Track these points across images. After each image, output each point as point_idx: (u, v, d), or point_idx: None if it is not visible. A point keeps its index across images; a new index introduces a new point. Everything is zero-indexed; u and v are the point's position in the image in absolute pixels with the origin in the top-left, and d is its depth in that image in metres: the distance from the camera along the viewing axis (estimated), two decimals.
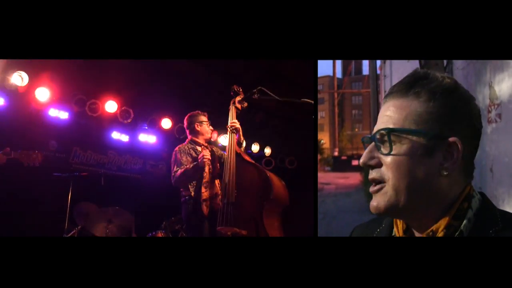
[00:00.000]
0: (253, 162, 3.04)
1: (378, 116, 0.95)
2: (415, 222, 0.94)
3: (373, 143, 0.92)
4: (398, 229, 0.97)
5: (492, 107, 3.54)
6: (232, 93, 3.25)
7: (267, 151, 6.65)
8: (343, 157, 22.12)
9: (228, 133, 3.13)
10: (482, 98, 3.71)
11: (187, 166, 3.14)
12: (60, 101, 4.70)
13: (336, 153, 26.58)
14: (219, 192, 3.08)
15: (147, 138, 5.60)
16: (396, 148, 0.88)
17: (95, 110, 4.93)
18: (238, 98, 3.18)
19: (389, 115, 0.91)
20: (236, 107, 3.17)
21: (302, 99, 2.64)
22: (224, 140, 3.15)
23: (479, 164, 3.54)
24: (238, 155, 3.01)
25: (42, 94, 4.46)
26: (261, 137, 6.58)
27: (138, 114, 5.36)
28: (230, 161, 2.94)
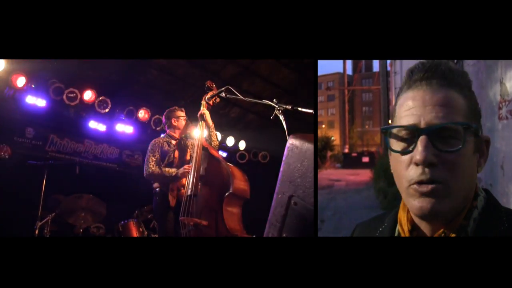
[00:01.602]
0: (218, 156, 3.19)
1: (411, 104, 0.85)
2: (438, 225, 0.87)
3: (425, 137, 0.81)
4: (404, 229, 0.92)
5: (503, 103, 3.46)
6: (205, 88, 3.36)
7: (242, 145, 6.94)
8: (354, 154, 21.88)
9: (198, 125, 3.25)
10: (493, 95, 3.63)
11: (168, 172, 3.29)
12: (37, 88, 4.77)
13: (346, 150, 26.59)
14: (186, 186, 3.23)
15: (124, 128, 5.71)
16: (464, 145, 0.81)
17: (73, 99, 5.02)
18: (209, 94, 3.30)
19: (442, 105, 0.82)
20: (207, 103, 3.29)
21: (300, 109, 2.68)
22: (196, 132, 3.27)
23: (490, 161, 3.62)
24: (205, 149, 3.14)
25: (19, 80, 4.50)
26: (236, 131, 6.78)
27: (115, 104, 5.46)
28: (196, 156, 3.08)
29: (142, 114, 5.69)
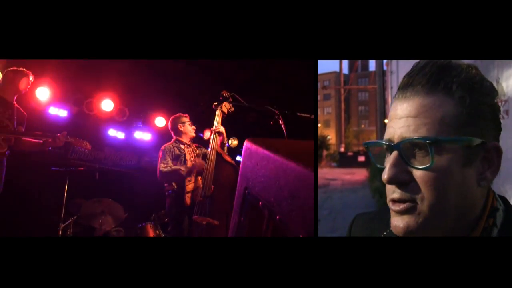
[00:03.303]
0: (231, 161, 3.33)
1: (392, 116, 0.77)
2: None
3: (396, 153, 0.73)
4: None
5: (500, 103, 3.53)
6: (221, 98, 3.48)
7: None
8: (349, 153, 21.55)
9: (212, 135, 3.41)
10: None
11: (179, 169, 3.44)
12: (59, 100, 5.01)
13: (342, 149, 26.21)
14: (201, 186, 3.38)
15: (142, 136, 5.93)
16: (435, 161, 0.71)
17: (91, 109, 5.25)
18: (225, 104, 3.44)
19: (416, 116, 0.72)
20: (222, 111, 3.43)
21: (299, 114, 2.81)
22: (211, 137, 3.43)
23: None
24: (219, 154, 3.30)
25: (43, 93, 4.77)
26: (252, 136, 6.84)
27: (133, 112, 5.68)
28: (210, 160, 3.24)
29: (159, 121, 5.89)
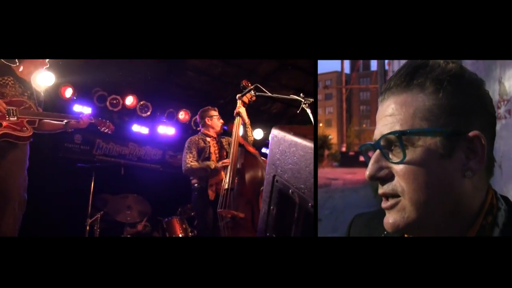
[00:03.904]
0: (254, 152, 3.27)
1: (377, 118, 0.81)
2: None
3: (377, 151, 0.77)
4: None
5: (502, 103, 3.44)
6: (241, 88, 3.42)
7: None
8: (351, 153, 21.51)
9: (234, 121, 3.34)
10: (491, 94, 3.67)
11: (206, 165, 3.42)
12: (83, 97, 5.07)
13: (343, 149, 26.08)
14: (224, 181, 3.32)
15: (166, 130, 5.93)
16: (410, 154, 0.73)
17: (115, 105, 5.28)
18: (246, 93, 3.37)
19: (391, 114, 0.76)
20: (242, 101, 3.37)
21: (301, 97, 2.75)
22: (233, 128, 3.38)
23: None
24: (241, 145, 3.24)
25: (67, 91, 4.85)
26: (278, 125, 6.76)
27: (156, 107, 5.69)
28: (233, 151, 3.18)
29: (182, 115, 5.89)
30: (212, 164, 3.41)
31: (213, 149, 3.59)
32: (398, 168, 0.74)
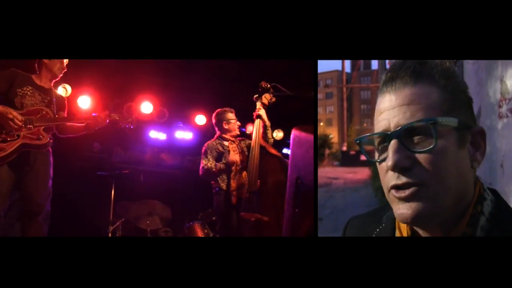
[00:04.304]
0: (277, 153, 3.20)
1: (383, 109, 0.80)
2: (436, 231, 0.80)
3: (396, 141, 0.76)
4: (403, 235, 0.86)
5: (503, 102, 3.40)
6: (260, 90, 3.34)
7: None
8: (352, 152, 21.17)
9: (255, 124, 3.27)
10: (493, 93, 3.57)
11: (215, 167, 3.34)
12: (100, 107, 5.06)
13: (344, 148, 25.88)
14: (246, 182, 3.26)
15: (184, 135, 5.92)
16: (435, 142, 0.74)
17: (131, 112, 5.26)
18: (265, 95, 3.30)
19: (409, 103, 0.76)
20: (263, 103, 3.29)
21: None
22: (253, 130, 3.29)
23: (489, 159, 3.44)
24: (262, 147, 3.17)
25: (84, 101, 4.86)
26: (298, 125, 6.68)
27: (172, 112, 5.66)
28: (254, 154, 3.12)
29: (199, 119, 5.84)
30: (224, 163, 3.33)
31: (232, 153, 3.50)
32: (422, 157, 0.74)
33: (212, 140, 3.63)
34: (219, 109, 3.70)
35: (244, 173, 3.37)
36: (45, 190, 2.86)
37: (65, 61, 3.09)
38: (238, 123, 3.72)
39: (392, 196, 0.78)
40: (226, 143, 3.55)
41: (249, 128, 5.77)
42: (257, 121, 3.23)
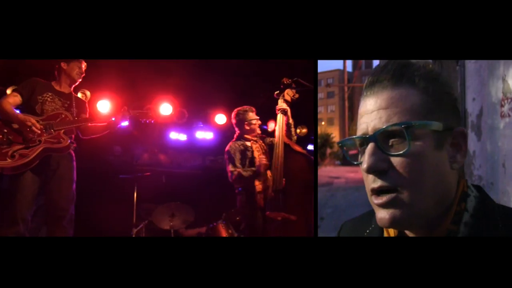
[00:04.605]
0: (302, 151, 3.11)
1: (363, 112, 0.82)
2: (420, 231, 0.82)
3: (372, 144, 0.77)
4: (390, 234, 0.88)
5: (505, 101, 3.37)
6: (282, 86, 3.26)
7: None
8: (353, 151, 21.74)
9: (277, 121, 3.18)
10: (495, 92, 3.54)
11: (246, 172, 3.26)
12: (119, 110, 5.06)
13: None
14: (271, 183, 3.16)
15: (204, 135, 5.87)
16: (411, 145, 0.75)
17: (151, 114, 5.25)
18: (288, 91, 3.21)
19: (386, 107, 0.77)
20: (285, 100, 3.21)
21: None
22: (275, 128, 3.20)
23: (491, 159, 3.44)
24: (286, 145, 3.09)
25: (104, 106, 4.87)
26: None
27: (192, 113, 5.62)
28: (279, 152, 3.03)
29: (220, 119, 5.79)
30: (254, 169, 3.24)
31: (257, 153, 3.39)
32: (397, 160, 0.75)
33: (233, 141, 3.53)
34: (239, 108, 3.58)
35: (269, 172, 3.29)
36: (69, 195, 2.91)
37: (83, 66, 3.14)
38: (259, 122, 3.61)
39: (372, 200, 0.80)
40: (248, 143, 3.45)
41: (271, 126, 5.69)
42: (280, 118, 3.14)
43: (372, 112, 0.79)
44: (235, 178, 3.28)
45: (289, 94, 3.17)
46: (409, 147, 0.74)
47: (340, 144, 0.88)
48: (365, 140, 0.80)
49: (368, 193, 0.80)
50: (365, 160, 0.77)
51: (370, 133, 0.78)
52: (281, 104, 3.14)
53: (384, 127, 0.76)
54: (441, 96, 0.79)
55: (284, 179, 2.93)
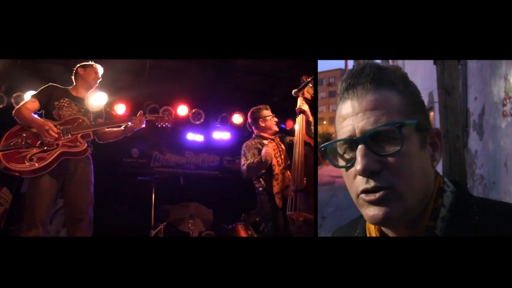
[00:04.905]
0: None
1: (346, 115, 0.82)
2: (401, 230, 0.84)
3: (363, 146, 0.77)
4: (372, 235, 0.91)
5: (507, 100, 3.38)
6: (301, 84, 3.14)
7: None
8: None
9: (297, 119, 3.10)
10: (497, 91, 3.52)
11: (251, 161, 3.20)
12: (135, 112, 5.05)
13: None
14: (291, 183, 3.09)
15: (221, 135, 5.84)
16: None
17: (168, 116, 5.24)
18: (307, 89, 3.14)
19: (373, 109, 0.79)
20: (305, 98, 3.12)
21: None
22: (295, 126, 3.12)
23: (493, 158, 3.40)
24: (307, 144, 3.00)
25: (120, 108, 4.92)
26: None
27: (209, 113, 5.61)
28: (299, 151, 2.95)
29: (237, 118, 5.74)
30: (256, 160, 3.15)
31: (274, 152, 3.31)
32: (389, 160, 0.76)
33: (250, 140, 3.47)
34: (253, 108, 3.51)
35: (288, 172, 3.21)
36: (87, 197, 2.92)
37: (100, 71, 3.17)
38: (275, 119, 3.53)
39: (361, 201, 0.79)
40: (265, 141, 3.37)
41: (289, 124, 5.62)
42: (300, 117, 3.06)
43: (357, 114, 0.79)
44: (246, 172, 3.21)
45: (309, 92, 3.08)
46: (402, 146, 0.76)
47: (323, 149, 0.85)
48: (353, 142, 0.80)
49: (354, 194, 0.81)
50: (358, 161, 0.77)
51: (358, 134, 0.79)
52: (302, 102, 3.06)
53: (374, 127, 0.77)
54: (414, 98, 0.83)
55: (305, 178, 2.85)
